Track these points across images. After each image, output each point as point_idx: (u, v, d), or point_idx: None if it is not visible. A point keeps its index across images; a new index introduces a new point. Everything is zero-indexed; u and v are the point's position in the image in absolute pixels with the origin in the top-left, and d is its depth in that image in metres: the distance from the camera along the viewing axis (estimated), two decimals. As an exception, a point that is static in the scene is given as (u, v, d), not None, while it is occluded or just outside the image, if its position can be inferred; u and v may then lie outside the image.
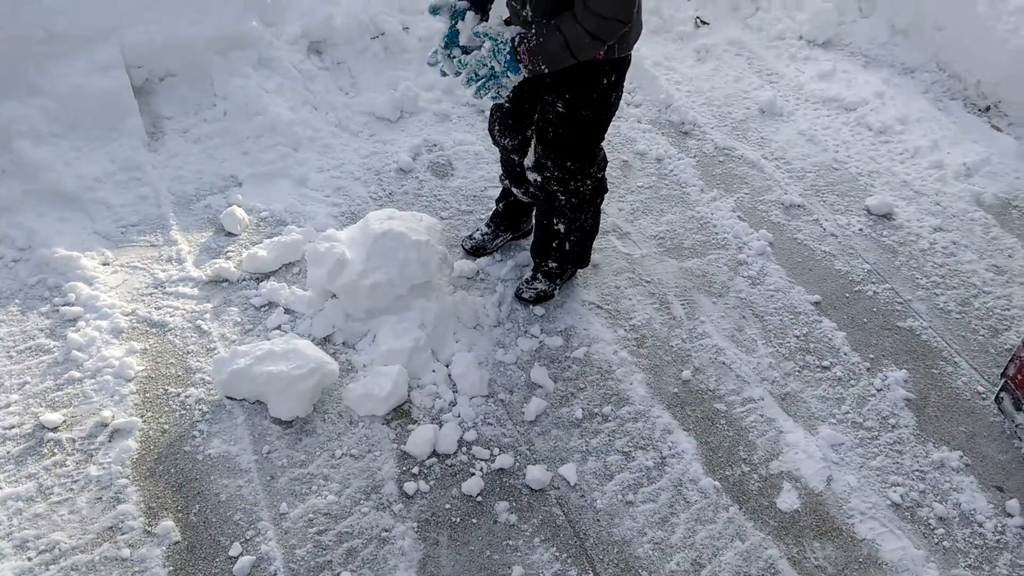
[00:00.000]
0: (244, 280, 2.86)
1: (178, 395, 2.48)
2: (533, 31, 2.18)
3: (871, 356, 2.74)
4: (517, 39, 2.20)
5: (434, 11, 2.37)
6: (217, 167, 3.30)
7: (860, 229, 3.25)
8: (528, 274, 2.86)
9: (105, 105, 3.23)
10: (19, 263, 2.85)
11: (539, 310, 2.79)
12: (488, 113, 2.79)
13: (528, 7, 2.25)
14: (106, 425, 2.37)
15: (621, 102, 3.75)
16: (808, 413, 2.56)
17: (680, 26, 4.35)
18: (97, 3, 3.28)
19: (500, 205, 3.00)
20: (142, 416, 2.41)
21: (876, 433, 2.51)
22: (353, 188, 3.24)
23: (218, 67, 3.50)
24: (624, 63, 2.41)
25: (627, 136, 3.66)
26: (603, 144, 2.63)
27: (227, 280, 2.85)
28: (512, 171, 2.82)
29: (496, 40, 2.21)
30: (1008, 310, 2.93)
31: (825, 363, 2.71)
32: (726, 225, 3.22)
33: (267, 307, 2.76)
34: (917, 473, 2.41)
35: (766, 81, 4.07)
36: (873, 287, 3.00)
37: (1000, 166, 3.56)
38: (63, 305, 2.70)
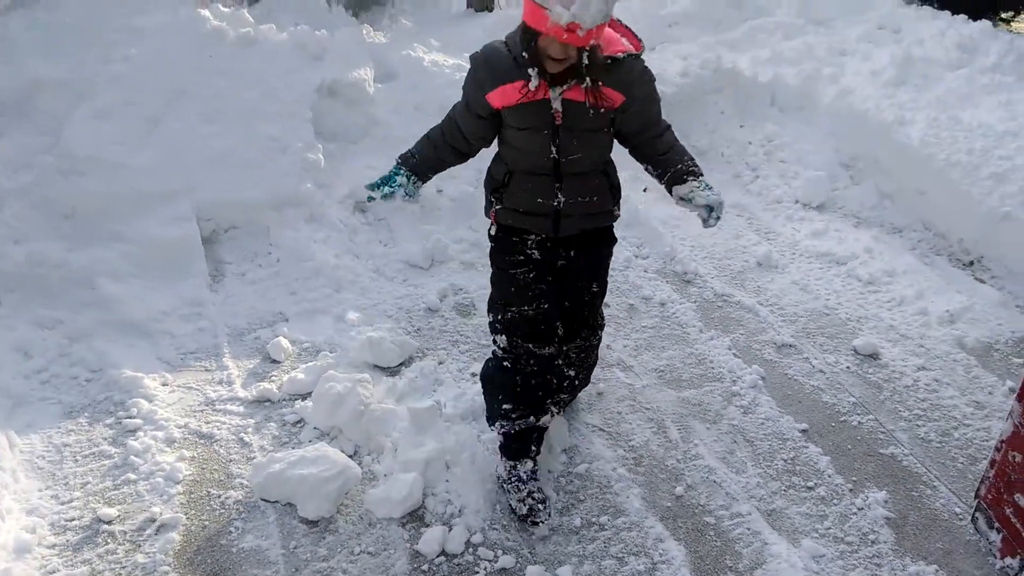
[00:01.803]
0: (284, 400, 3.22)
1: (219, 496, 2.79)
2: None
3: (854, 479, 2.95)
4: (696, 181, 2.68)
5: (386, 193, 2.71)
6: (268, 305, 3.74)
7: (847, 367, 3.52)
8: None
9: (177, 251, 3.74)
10: (91, 382, 3.25)
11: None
12: (501, 339, 2.70)
13: (560, 194, 2.52)
14: (154, 520, 2.67)
15: (629, 253, 4.19)
16: (792, 527, 2.76)
17: (686, 191, 4.83)
18: (179, 168, 3.87)
19: (531, 458, 2.79)
20: (186, 513, 2.71)
21: (856, 547, 2.69)
22: (385, 324, 3.64)
23: (274, 221, 4.03)
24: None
25: (634, 283, 4.05)
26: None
27: (269, 400, 3.21)
28: (540, 394, 2.69)
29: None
30: (987, 440, 3.13)
31: (810, 484, 2.93)
32: (722, 361, 3.53)
33: (301, 423, 3.10)
34: (894, 584, 2.57)
35: (764, 238, 4.49)
36: (858, 418, 3.24)
37: (982, 313, 3.85)
38: (125, 418, 3.07)
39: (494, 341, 2.72)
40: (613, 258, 4.12)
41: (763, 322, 3.80)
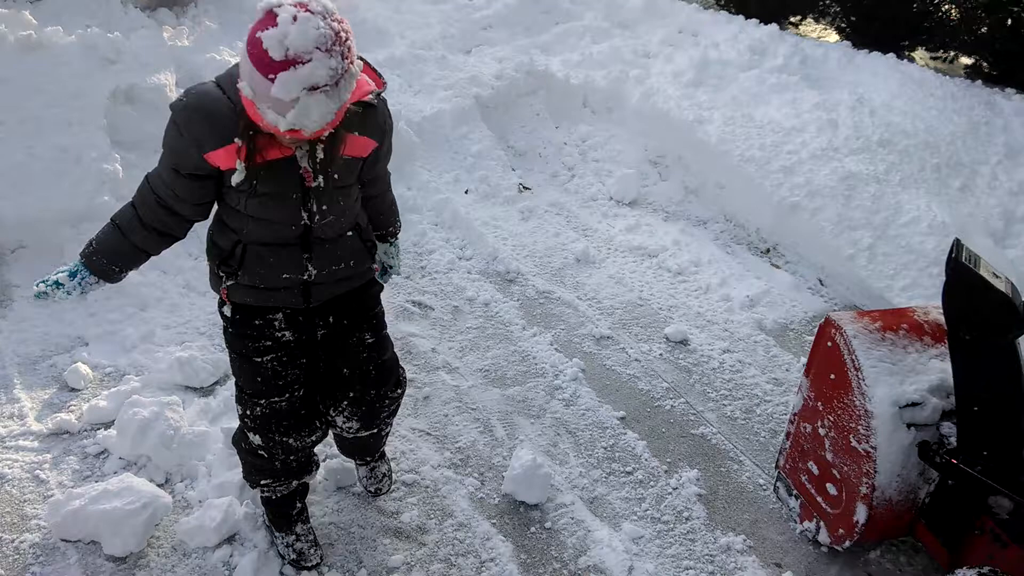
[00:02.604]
0: (85, 431, 2.99)
1: (13, 541, 2.55)
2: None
3: (668, 460, 3.11)
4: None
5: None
6: (64, 329, 3.46)
7: (660, 354, 3.70)
8: (379, 468, 2.80)
9: (-48, 275, 3.39)
10: None
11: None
12: (255, 432, 2.35)
13: (311, 266, 2.16)
14: (-67, 576, 2.41)
15: (452, 256, 4.21)
16: (613, 512, 2.86)
17: (506, 191, 4.92)
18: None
19: (297, 511, 2.58)
20: (-29, 564, 2.46)
21: (672, 525, 2.83)
22: (197, 341, 3.46)
23: (69, 238, 3.73)
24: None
25: (458, 285, 4.07)
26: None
27: (68, 432, 2.97)
28: (301, 466, 2.48)
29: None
30: (785, 414, 3.38)
31: (628, 468, 3.05)
32: (544, 356, 3.61)
33: (104, 454, 2.89)
34: (707, 557, 2.72)
35: (581, 235, 4.64)
36: (671, 402, 3.41)
37: (779, 296, 4.15)
38: None
39: (244, 434, 2.37)
40: (437, 261, 4.23)
41: (582, 316, 3.92)
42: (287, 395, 2.29)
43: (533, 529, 2.76)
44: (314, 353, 2.36)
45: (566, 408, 3.32)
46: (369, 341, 2.37)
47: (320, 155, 1.98)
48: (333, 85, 1.76)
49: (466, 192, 4.89)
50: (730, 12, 7.05)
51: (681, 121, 5.18)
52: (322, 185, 2.04)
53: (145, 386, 3.15)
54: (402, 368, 2.54)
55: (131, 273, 3.52)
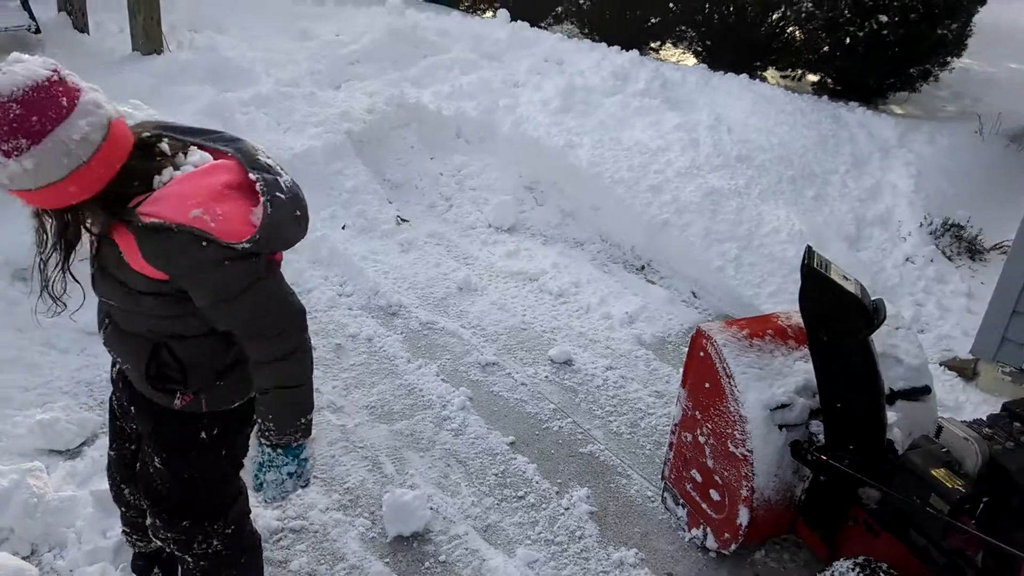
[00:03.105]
0: (-64, 509, 2.75)
1: None
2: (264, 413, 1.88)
3: (559, 481, 3.13)
4: (266, 440, 1.90)
5: None
6: (-94, 400, 3.20)
7: (546, 376, 3.74)
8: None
9: None
10: None
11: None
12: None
13: (124, 364, 1.95)
14: None
15: (332, 293, 4.13)
16: (507, 539, 2.86)
17: (384, 224, 4.89)
18: None
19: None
20: None
21: (565, 546, 2.85)
22: (60, 401, 3.26)
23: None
24: (227, 417, 1.98)
25: (339, 322, 4.00)
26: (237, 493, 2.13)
27: (-85, 512, 2.73)
28: (135, 527, 2.34)
29: (258, 468, 1.92)
30: (668, 426, 3.47)
31: (520, 493, 3.06)
32: (431, 388, 3.59)
33: (-39, 531, 2.67)
34: (601, 574, 2.75)
35: (462, 263, 4.65)
36: (558, 423, 3.45)
37: (656, 311, 4.28)
38: None
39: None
40: (317, 299, 4.14)
41: (467, 344, 3.92)
42: (113, 448, 2.25)
43: (427, 564, 2.73)
44: None
45: (455, 438, 3.31)
46: (158, 465, 2.02)
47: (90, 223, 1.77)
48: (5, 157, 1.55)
49: (343, 227, 4.84)
50: (593, 40, 7.29)
51: (552, 147, 5.30)
52: (92, 254, 1.90)
53: (2, 453, 2.94)
54: (226, 524, 2.07)
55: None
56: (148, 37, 5.90)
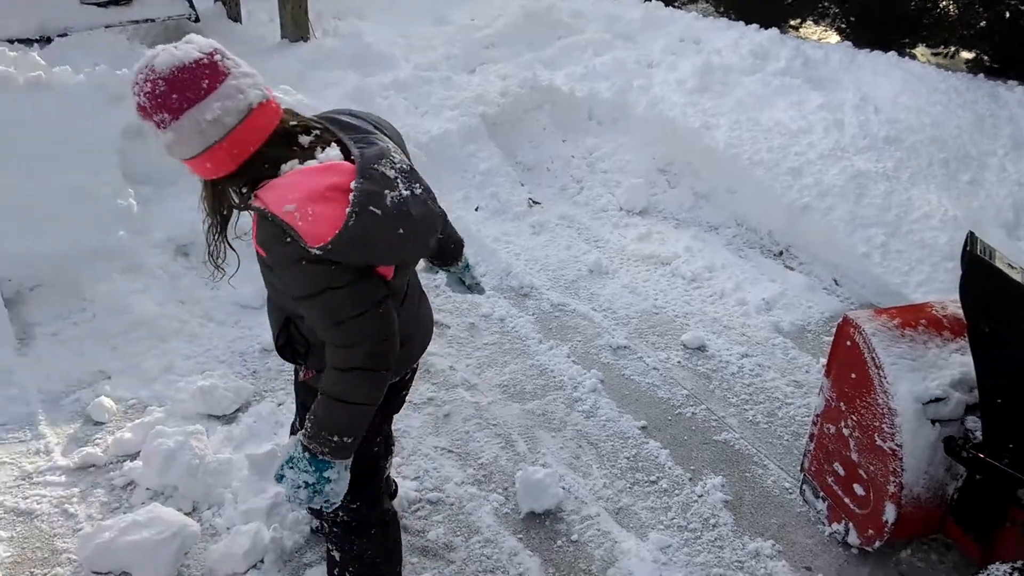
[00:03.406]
0: (112, 464, 3.01)
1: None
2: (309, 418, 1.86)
3: (692, 468, 3.10)
4: (301, 437, 1.86)
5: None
6: (86, 364, 3.49)
7: (678, 361, 3.69)
8: None
9: (-26, 317, 3.43)
10: None
11: (395, 460, 3.04)
12: None
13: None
14: (-33, 615, 2.42)
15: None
16: (639, 523, 2.85)
17: (516, 206, 4.94)
18: (-32, 224, 3.56)
19: None
20: (5, 601, 2.48)
21: (699, 533, 2.81)
22: (217, 370, 3.49)
23: (86, 275, 3.77)
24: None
25: (473, 302, 4.08)
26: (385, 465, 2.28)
27: (95, 465, 2.99)
28: None
29: (286, 460, 1.86)
30: (807, 416, 3.36)
31: (652, 478, 3.04)
32: (562, 369, 3.61)
33: (132, 485, 2.91)
34: (736, 564, 2.71)
35: (593, 246, 4.64)
36: (692, 409, 3.40)
37: (794, 298, 4.14)
38: (-73, 505, 2.78)
39: None
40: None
41: (598, 327, 3.92)
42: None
43: (559, 543, 2.76)
44: None
45: (587, 420, 3.32)
46: None
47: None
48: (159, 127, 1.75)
49: (476, 209, 4.92)
50: (730, 18, 7.08)
51: (687, 128, 5.19)
52: None
53: (168, 416, 3.17)
54: (351, 500, 2.06)
55: (150, 306, 3.57)
56: (296, 25, 6.17)
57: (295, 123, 1.84)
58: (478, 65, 6.30)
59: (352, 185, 1.71)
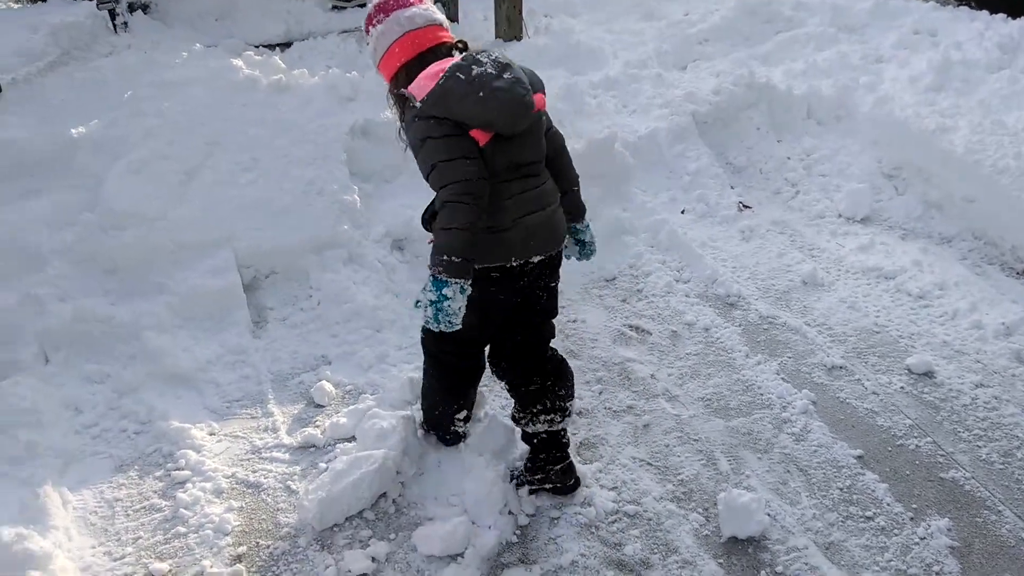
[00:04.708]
0: (329, 446, 3.21)
1: (268, 547, 2.79)
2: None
3: (914, 506, 2.85)
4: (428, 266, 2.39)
5: None
6: (310, 348, 3.76)
7: (901, 387, 3.41)
8: None
9: (219, 300, 3.77)
10: (140, 435, 3.29)
11: (592, 467, 3.03)
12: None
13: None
14: (204, 574, 2.68)
15: (669, 278, 4.14)
16: (852, 561, 2.66)
17: (724, 210, 4.77)
18: (217, 218, 3.92)
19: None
20: (235, 565, 2.71)
21: (920, 580, 2.59)
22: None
23: (314, 264, 4.05)
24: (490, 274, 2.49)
25: (676, 309, 3.98)
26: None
27: (314, 446, 3.21)
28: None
29: (422, 289, 2.40)
30: (1054, 460, 3.01)
31: (868, 513, 2.83)
32: (770, 386, 3.44)
33: (348, 468, 3.09)
34: (964, 618, 2.46)
35: (808, 255, 4.39)
36: (915, 441, 3.13)
37: (1041, 324, 3.71)
38: (174, 470, 3.09)
39: None
40: (654, 284, 4.17)
41: (811, 344, 3.70)
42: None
43: (763, 573, 2.63)
44: None
45: (796, 443, 3.14)
46: None
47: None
48: (364, 30, 2.49)
49: (682, 212, 4.80)
50: (971, 7, 6.43)
51: (920, 130, 4.78)
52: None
53: (379, 404, 3.33)
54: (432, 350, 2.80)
55: (368, 297, 3.77)
56: (510, 24, 6.29)
57: (448, 43, 2.49)
58: (690, 62, 6.14)
59: (457, 65, 2.35)
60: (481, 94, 2.30)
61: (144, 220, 3.83)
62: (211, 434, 3.29)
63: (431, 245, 2.38)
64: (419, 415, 3.10)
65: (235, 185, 4.04)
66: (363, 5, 5.76)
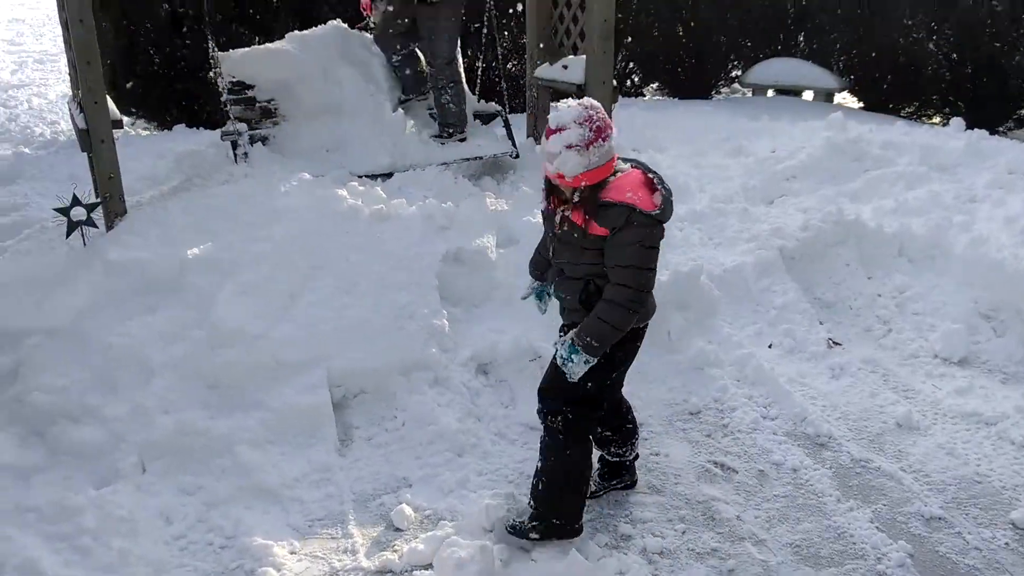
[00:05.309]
0: (405, 571, 3.21)
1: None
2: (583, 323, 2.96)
3: None
4: (574, 332, 2.99)
5: (526, 296, 3.50)
6: (392, 469, 3.81)
7: (1006, 543, 3.22)
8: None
9: (310, 418, 3.90)
10: (225, 549, 3.35)
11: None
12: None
13: (555, 285, 3.18)
14: None
15: (756, 415, 4.08)
16: None
17: (813, 346, 4.70)
18: (315, 338, 4.10)
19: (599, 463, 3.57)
20: None
21: None
22: (506, 489, 3.62)
23: (401, 386, 4.15)
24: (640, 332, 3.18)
25: (763, 447, 3.90)
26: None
27: (391, 571, 3.21)
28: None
29: (561, 342, 3.04)
30: None
31: None
32: (864, 535, 3.30)
33: (424, 595, 3.07)
34: None
35: (902, 396, 4.26)
36: (1024, 604, 2.93)
37: None
38: (255, 587, 3.14)
39: None
40: (740, 419, 4.10)
41: (907, 491, 3.55)
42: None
43: None
44: None
45: (892, 599, 2.98)
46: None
47: (561, 215, 3.02)
48: (583, 147, 2.79)
49: (769, 346, 4.75)
50: (1072, 148, 6.36)
51: (1018, 271, 4.68)
52: (558, 234, 3.05)
53: (458, 531, 3.33)
54: (565, 407, 3.14)
55: (452, 420, 3.85)
56: (598, 158, 6.51)
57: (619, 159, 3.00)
58: (777, 197, 6.21)
59: (650, 176, 2.94)
60: (672, 200, 2.95)
61: (248, 338, 4.03)
62: (292, 552, 3.34)
63: (583, 323, 2.96)
64: (514, 538, 3.24)
65: (333, 307, 4.23)
66: (464, 140, 6.08)
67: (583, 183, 2.88)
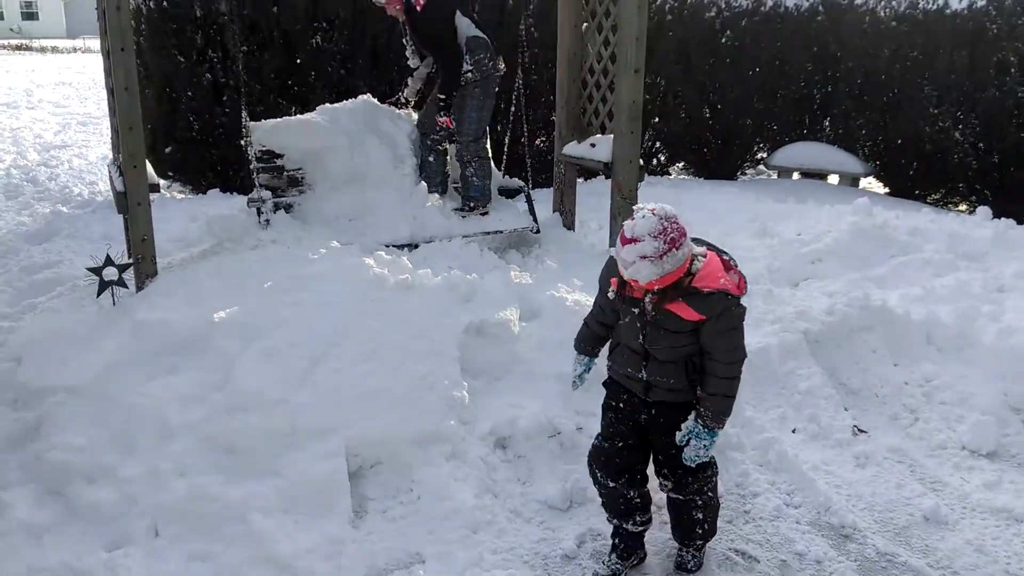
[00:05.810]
0: (416, 652, 3.13)
1: None
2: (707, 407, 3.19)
3: None
4: (700, 421, 3.22)
5: (582, 379, 3.66)
6: (406, 544, 3.74)
7: (1041, 650, 3.08)
8: (684, 554, 3.57)
9: (324, 487, 3.85)
10: (232, 620, 3.30)
11: None
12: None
13: (645, 371, 3.25)
14: None
15: (779, 502, 3.99)
16: None
17: (838, 433, 4.61)
18: (334, 406, 4.09)
19: (617, 540, 3.58)
20: None
21: None
22: (521, 571, 3.55)
23: (417, 458, 4.12)
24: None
25: (786, 536, 3.79)
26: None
27: (401, 651, 3.13)
28: (618, 508, 3.46)
29: (691, 435, 3.25)
30: None
31: None
32: (890, 634, 3.18)
33: None
34: None
35: (929, 488, 4.15)
36: None
37: None
38: (261, 661, 3.06)
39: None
40: (762, 506, 4.01)
41: (935, 589, 3.43)
42: (609, 442, 3.44)
43: None
44: (644, 431, 3.40)
45: None
46: (672, 451, 3.32)
47: (650, 304, 3.11)
48: (657, 257, 2.86)
49: (793, 431, 4.67)
50: (1103, 240, 6.32)
51: (1049, 365, 4.59)
52: (649, 321, 3.15)
53: (472, 613, 3.25)
54: (712, 467, 3.42)
55: (468, 496, 3.78)
56: (624, 236, 6.55)
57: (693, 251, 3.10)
58: (802, 280, 6.19)
59: (725, 257, 3.20)
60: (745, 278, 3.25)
61: (267, 403, 4.03)
62: (302, 627, 3.27)
63: (712, 409, 3.19)
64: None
65: (354, 375, 4.23)
66: (485, 214, 6.16)
67: (656, 287, 3.00)
